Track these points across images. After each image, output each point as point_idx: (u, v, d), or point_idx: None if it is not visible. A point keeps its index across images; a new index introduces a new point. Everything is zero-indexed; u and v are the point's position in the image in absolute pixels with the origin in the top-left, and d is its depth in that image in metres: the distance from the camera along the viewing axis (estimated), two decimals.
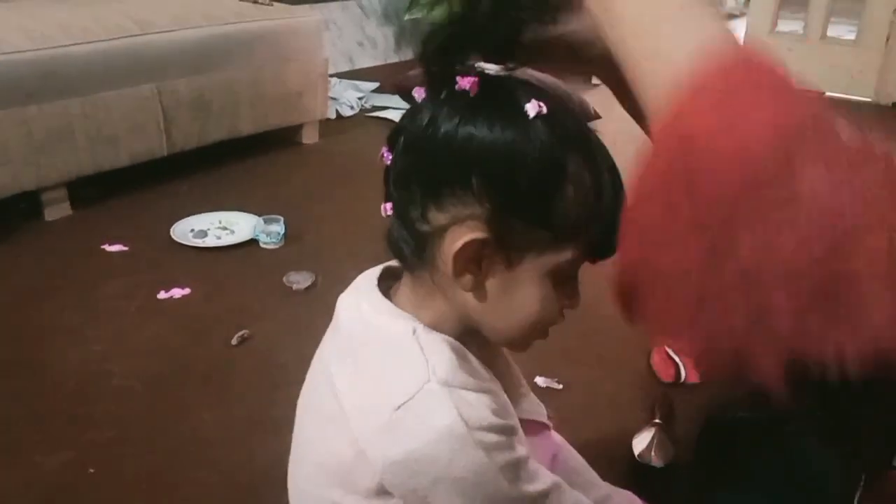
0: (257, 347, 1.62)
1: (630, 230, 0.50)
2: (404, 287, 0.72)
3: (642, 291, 0.50)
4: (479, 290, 0.66)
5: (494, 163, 0.61)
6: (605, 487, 1.04)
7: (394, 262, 0.75)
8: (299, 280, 1.86)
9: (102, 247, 2.03)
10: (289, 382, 1.48)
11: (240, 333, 1.64)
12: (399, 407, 0.62)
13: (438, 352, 0.65)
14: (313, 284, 1.86)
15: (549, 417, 0.93)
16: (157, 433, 1.37)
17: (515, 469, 0.65)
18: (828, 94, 3.93)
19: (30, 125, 2.04)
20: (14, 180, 2.05)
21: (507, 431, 0.65)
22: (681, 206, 0.46)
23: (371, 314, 0.70)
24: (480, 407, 0.63)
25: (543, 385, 1.47)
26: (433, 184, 0.63)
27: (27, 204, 2.13)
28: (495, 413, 0.64)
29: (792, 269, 0.42)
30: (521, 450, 0.66)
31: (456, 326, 0.70)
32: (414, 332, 0.66)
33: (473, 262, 0.64)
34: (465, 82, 0.61)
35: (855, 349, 0.40)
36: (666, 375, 1.53)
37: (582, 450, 1.05)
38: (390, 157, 0.67)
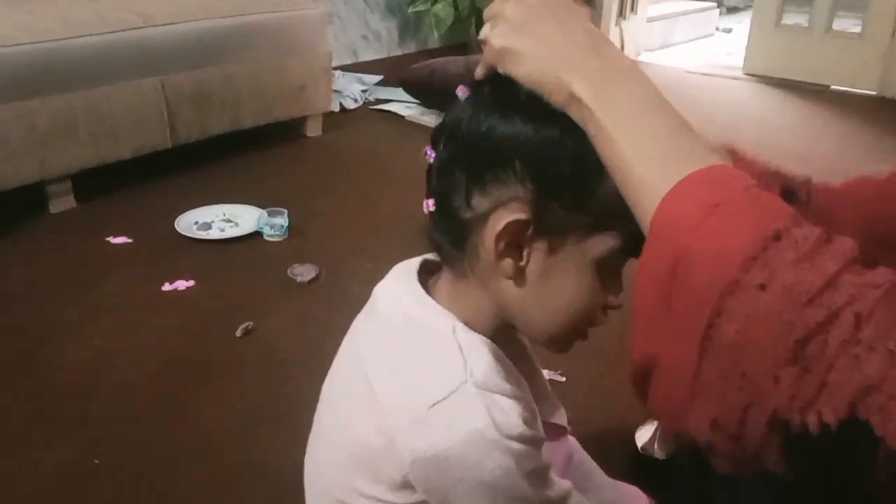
0: (261, 340, 1.63)
1: (635, 324, 0.55)
2: (443, 282, 0.72)
3: (649, 380, 0.55)
4: (519, 276, 0.66)
5: (537, 146, 0.62)
6: (613, 490, 1.05)
7: (431, 256, 0.76)
8: (303, 272, 1.87)
9: (107, 239, 2.03)
10: (293, 375, 1.49)
11: (244, 326, 1.64)
12: (434, 405, 0.63)
13: (477, 353, 0.65)
14: (317, 277, 1.86)
15: (567, 421, 0.93)
16: (161, 426, 1.37)
17: (539, 476, 0.66)
18: (833, 87, 3.92)
19: (33, 118, 2.04)
20: (17, 173, 2.05)
21: (534, 442, 0.65)
22: (672, 300, 0.52)
23: (411, 307, 0.70)
24: (513, 414, 0.63)
25: (547, 377, 1.46)
26: (477, 168, 0.64)
27: (31, 197, 2.13)
28: (526, 422, 0.64)
29: (771, 344, 0.47)
30: (546, 459, 0.67)
31: (492, 323, 0.70)
32: (454, 330, 0.67)
33: (515, 246, 0.65)
34: (460, 92, 0.64)
35: (831, 412, 0.45)
36: None
37: (585, 442, 1.06)
38: (433, 156, 0.68)
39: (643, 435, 1.29)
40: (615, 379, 1.51)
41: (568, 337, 0.71)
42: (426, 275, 0.74)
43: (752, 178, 0.64)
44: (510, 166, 0.63)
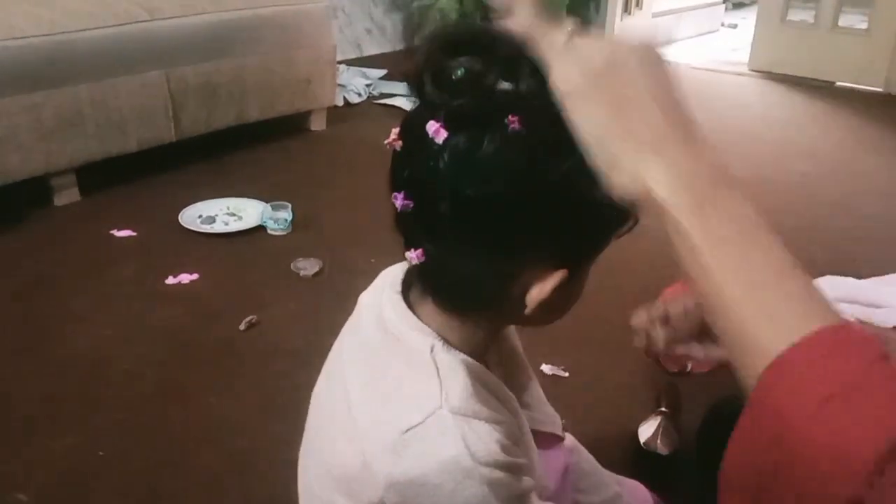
0: (265, 333, 1.63)
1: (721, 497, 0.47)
2: (418, 295, 0.68)
3: None
4: (540, 307, 0.63)
5: (568, 200, 0.57)
6: (615, 485, 1.04)
7: None
8: (306, 267, 1.87)
9: (111, 232, 2.04)
10: (296, 368, 1.50)
11: (247, 319, 1.65)
12: (407, 430, 0.61)
13: (454, 375, 0.62)
14: (320, 271, 1.86)
15: (563, 429, 0.92)
16: (165, 417, 1.38)
17: (518, 501, 0.64)
18: (838, 84, 3.91)
19: (39, 111, 2.04)
20: (23, 166, 2.06)
21: (513, 469, 0.62)
22: (767, 496, 0.43)
23: (391, 322, 0.67)
24: (490, 441, 0.61)
25: (549, 373, 1.47)
26: (503, 236, 0.59)
27: (36, 189, 2.14)
28: (505, 449, 0.61)
29: None
30: (527, 483, 0.65)
31: (485, 335, 0.68)
32: (432, 349, 0.64)
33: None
34: (513, 124, 0.54)
35: None
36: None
37: (587, 437, 1.06)
38: (408, 203, 0.60)
39: (646, 430, 1.29)
40: (618, 374, 1.51)
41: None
42: (410, 281, 0.70)
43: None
44: (544, 226, 0.58)
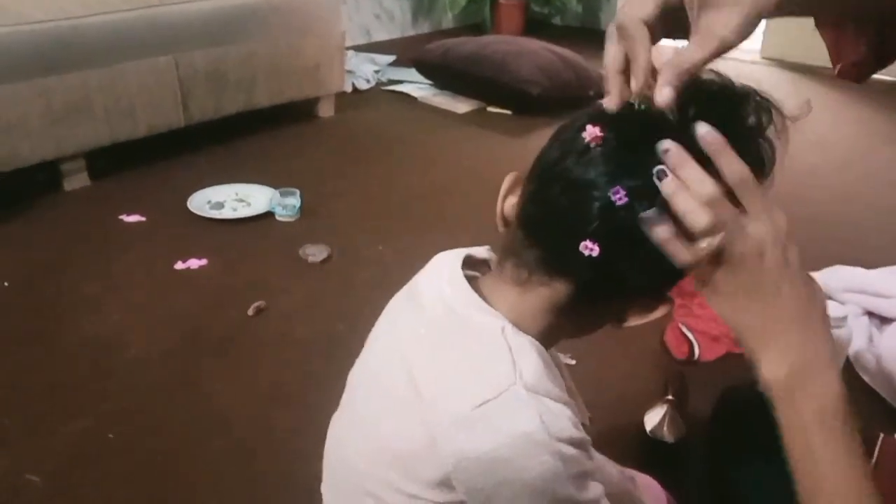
0: (273, 319, 1.64)
1: None
2: (497, 283, 0.70)
3: None
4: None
5: None
6: (626, 481, 1.04)
7: (474, 252, 0.74)
8: (314, 253, 1.87)
9: (120, 217, 2.05)
10: (305, 354, 1.51)
11: (255, 304, 1.65)
12: (481, 405, 0.62)
13: (527, 355, 0.64)
14: (328, 257, 1.86)
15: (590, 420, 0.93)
16: (174, 403, 1.39)
17: (584, 478, 0.65)
18: None
19: (48, 96, 2.05)
20: (33, 151, 2.06)
21: (583, 445, 0.65)
22: None
23: (457, 304, 0.68)
24: (562, 417, 0.63)
25: None
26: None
27: (46, 174, 2.15)
28: (575, 426, 0.64)
29: None
30: (591, 462, 0.66)
31: (542, 330, 0.69)
32: (503, 330, 0.65)
33: None
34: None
35: None
36: (679, 353, 1.53)
37: (594, 425, 1.06)
38: (625, 199, 0.59)
39: (652, 418, 1.29)
40: (625, 362, 1.51)
41: None
42: (468, 269, 0.72)
43: None
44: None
